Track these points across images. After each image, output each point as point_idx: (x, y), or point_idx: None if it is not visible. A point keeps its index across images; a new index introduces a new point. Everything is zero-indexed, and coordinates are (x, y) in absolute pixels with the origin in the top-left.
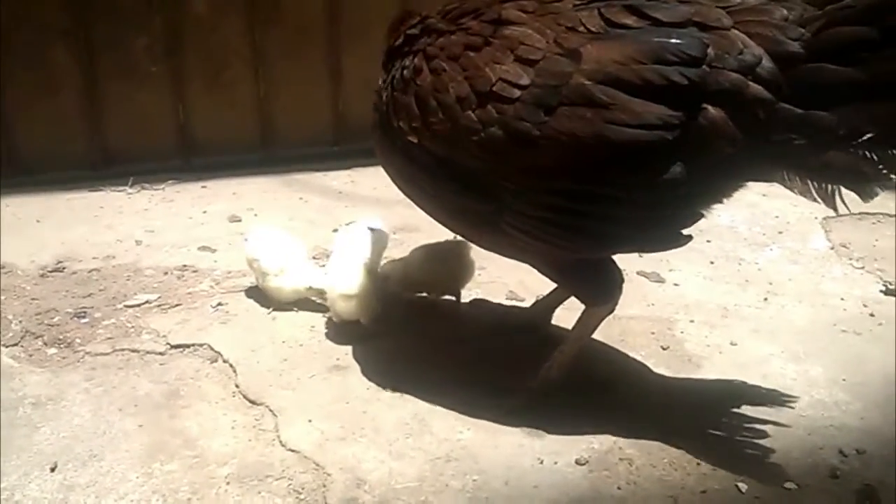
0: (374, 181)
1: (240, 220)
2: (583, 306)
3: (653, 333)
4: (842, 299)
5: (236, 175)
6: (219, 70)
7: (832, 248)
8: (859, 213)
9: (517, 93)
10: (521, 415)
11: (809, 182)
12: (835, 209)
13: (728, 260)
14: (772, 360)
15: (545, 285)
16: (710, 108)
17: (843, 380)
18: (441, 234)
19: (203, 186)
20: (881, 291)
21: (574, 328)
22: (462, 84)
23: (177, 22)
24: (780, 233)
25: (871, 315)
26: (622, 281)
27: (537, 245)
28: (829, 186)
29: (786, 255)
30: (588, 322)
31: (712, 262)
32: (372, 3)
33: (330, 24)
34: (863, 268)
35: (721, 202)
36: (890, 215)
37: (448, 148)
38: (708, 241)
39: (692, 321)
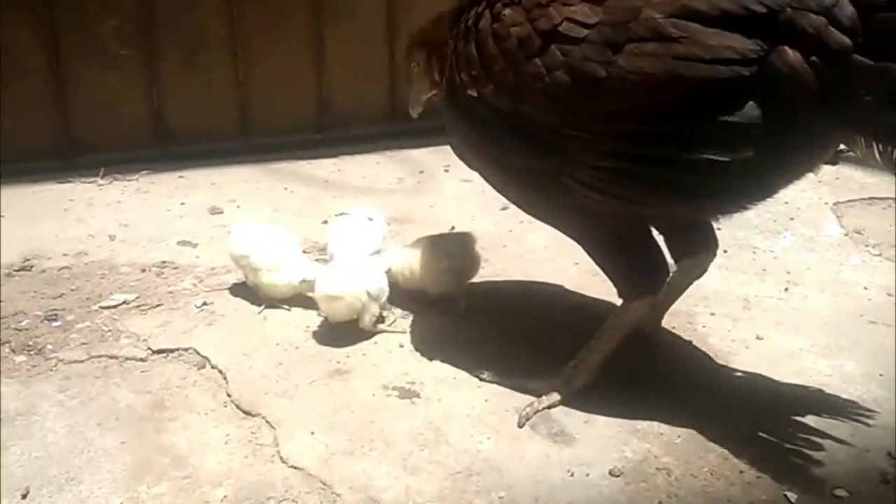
0: (361, 169)
1: (221, 213)
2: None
3: (673, 328)
4: (865, 288)
5: (215, 164)
6: (194, 51)
7: (846, 235)
8: (869, 198)
9: (584, 32)
10: (544, 420)
11: (875, 145)
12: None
13: (742, 248)
14: (802, 354)
15: (552, 276)
16: (787, 49)
17: (881, 375)
18: (438, 223)
19: (180, 176)
20: None
21: (607, 325)
22: (524, 26)
23: (149, 0)
24: (792, 219)
25: None
26: (668, 274)
27: (605, 201)
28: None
29: (800, 242)
30: (624, 317)
31: (726, 251)
32: None
33: (313, 1)
34: (880, 255)
35: (789, 178)
36: None
37: (510, 99)
38: (719, 229)
39: (713, 314)
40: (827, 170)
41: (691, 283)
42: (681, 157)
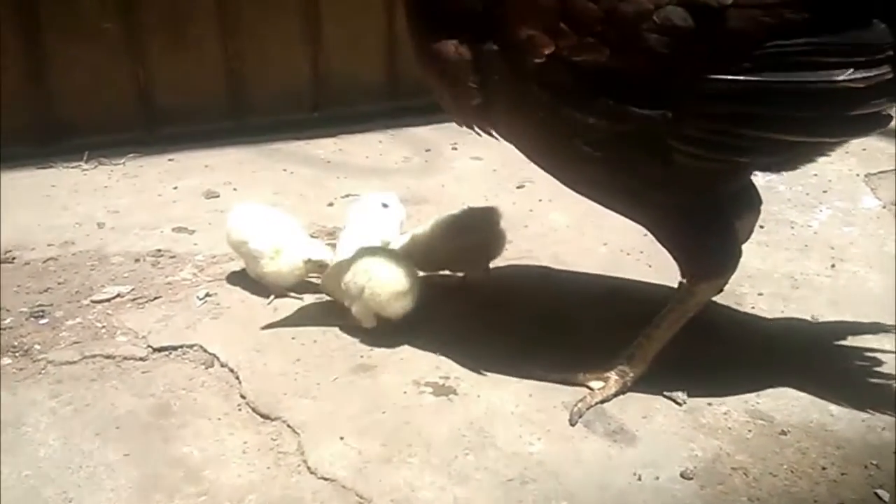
0: (364, 148)
1: (217, 196)
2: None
3: (722, 310)
4: None
5: (207, 146)
6: (183, 26)
7: (884, 207)
8: None
9: None
10: (598, 417)
11: None
12: None
13: (778, 223)
14: (864, 336)
15: (582, 258)
16: None
17: None
18: (452, 203)
19: (170, 160)
20: None
21: (667, 310)
22: None
23: None
24: (825, 192)
25: None
26: (740, 256)
27: (714, 157)
28: None
29: (838, 216)
30: (688, 301)
31: (762, 227)
32: None
33: None
34: None
35: None
36: None
37: (602, 52)
38: None
39: (761, 294)
40: (853, 141)
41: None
42: (813, 84)
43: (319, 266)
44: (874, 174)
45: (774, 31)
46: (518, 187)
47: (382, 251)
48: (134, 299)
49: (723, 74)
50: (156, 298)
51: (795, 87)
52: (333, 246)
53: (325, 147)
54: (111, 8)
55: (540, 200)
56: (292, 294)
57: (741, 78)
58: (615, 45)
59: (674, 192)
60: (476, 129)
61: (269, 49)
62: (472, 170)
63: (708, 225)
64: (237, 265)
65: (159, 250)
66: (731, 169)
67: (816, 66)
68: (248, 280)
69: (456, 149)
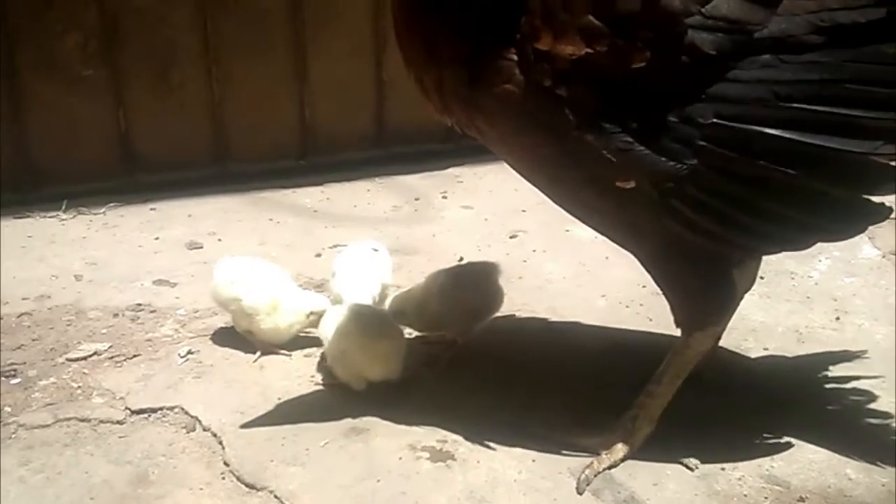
0: (352, 197)
1: (201, 247)
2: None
3: (728, 367)
4: None
5: (190, 194)
6: (165, 70)
7: (883, 257)
8: None
9: None
10: (606, 484)
11: None
12: None
13: (778, 274)
14: (875, 393)
15: (579, 310)
16: None
17: None
18: (443, 254)
19: (152, 209)
20: None
21: (666, 365)
22: None
23: (115, 13)
24: None
25: None
26: (738, 303)
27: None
28: None
29: (838, 266)
30: (686, 352)
31: (762, 277)
32: None
33: (293, 12)
34: None
35: None
36: None
37: (639, 52)
38: None
39: (766, 349)
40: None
41: (742, 297)
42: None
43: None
44: None
45: (816, 41)
46: (511, 237)
47: (367, 310)
48: (112, 357)
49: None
50: (135, 356)
51: (828, 153)
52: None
53: (311, 195)
54: (91, 52)
55: (534, 251)
56: (280, 351)
57: (772, 132)
58: (650, 47)
59: (673, 239)
60: (454, 123)
61: (255, 95)
62: (462, 219)
63: (705, 271)
64: (221, 320)
65: (139, 304)
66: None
67: (860, 131)
68: (233, 336)
69: (446, 197)
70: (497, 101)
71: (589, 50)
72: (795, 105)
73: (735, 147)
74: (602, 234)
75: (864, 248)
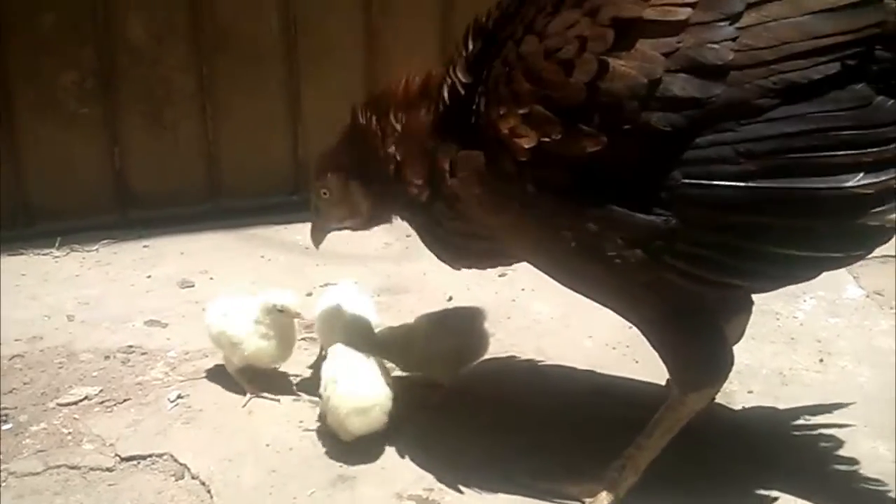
0: (344, 234)
1: (192, 286)
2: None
3: (713, 411)
4: None
5: (183, 231)
6: (160, 108)
7: (868, 297)
8: (882, 256)
9: (685, 12)
10: None
11: None
12: None
13: (763, 314)
14: (857, 437)
15: (567, 352)
16: None
17: None
18: (433, 293)
19: (145, 246)
20: None
21: (658, 418)
22: (594, 27)
23: (111, 52)
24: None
25: None
26: (732, 364)
27: (710, 281)
28: None
29: (823, 306)
30: (680, 411)
31: None
32: (334, 25)
33: (287, 51)
34: None
35: None
36: None
37: (596, 138)
38: None
39: (751, 392)
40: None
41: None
42: (826, 191)
43: (292, 312)
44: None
45: (789, 91)
46: (500, 276)
47: (355, 357)
48: (102, 402)
49: (730, 162)
50: (125, 401)
51: (801, 194)
52: (312, 339)
53: (303, 232)
54: (87, 91)
55: (522, 290)
56: (268, 395)
57: (741, 185)
58: (603, 130)
59: (667, 297)
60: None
61: (249, 132)
62: None
63: (700, 333)
64: (211, 362)
65: (130, 346)
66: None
67: (824, 170)
68: (223, 378)
69: None
70: (466, 186)
71: (544, 139)
72: (759, 158)
73: (709, 202)
74: (597, 301)
75: (848, 287)
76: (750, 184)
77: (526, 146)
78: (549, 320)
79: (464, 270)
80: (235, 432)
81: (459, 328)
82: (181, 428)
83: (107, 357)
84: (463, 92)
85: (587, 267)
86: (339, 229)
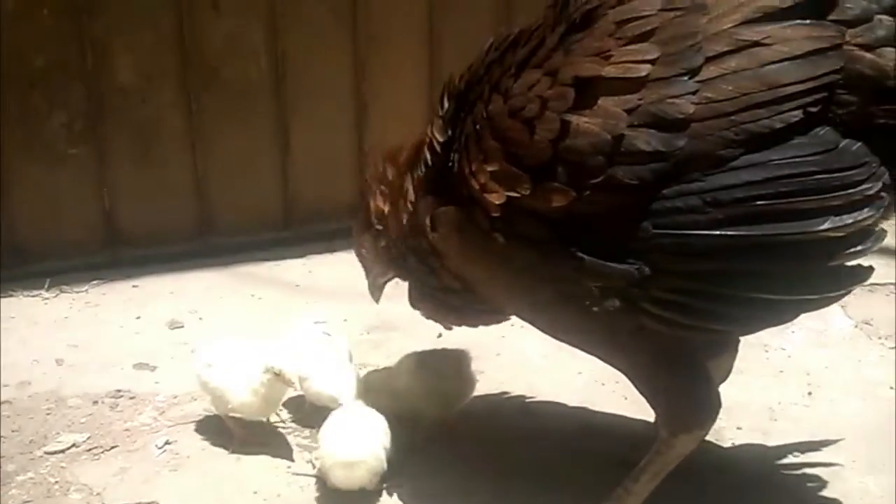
0: (334, 270)
1: (182, 327)
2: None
3: (703, 448)
4: (890, 388)
5: (173, 270)
6: (149, 146)
7: (856, 327)
8: (870, 285)
9: (645, 69)
10: None
11: None
12: None
13: (752, 347)
14: (845, 473)
15: (557, 388)
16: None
17: None
18: (422, 330)
19: (134, 286)
20: None
21: (647, 461)
22: (555, 87)
23: (99, 92)
24: None
25: None
26: (719, 406)
27: (686, 323)
28: None
29: (811, 337)
30: (669, 454)
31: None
32: (323, 63)
33: (276, 89)
34: (894, 347)
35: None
36: None
37: (563, 193)
38: None
39: (740, 428)
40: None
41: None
42: (795, 237)
43: (287, 380)
44: None
45: (749, 143)
46: None
47: (357, 412)
48: (90, 449)
49: (697, 212)
50: (112, 447)
51: (773, 239)
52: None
53: (294, 269)
54: (76, 132)
55: (512, 325)
56: (256, 441)
57: (711, 233)
58: (571, 185)
59: (649, 343)
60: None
61: (239, 168)
62: None
63: (685, 376)
64: (200, 406)
65: (119, 390)
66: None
67: (791, 216)
68: (211, 423)
69: None
70: (445, 241)
71: (513, 194)
72: (726, 207)
73: (680, 251)
74: (583, 350)
75: (836, 318)
76: (719, 232)
77: (496, 202)
78: (538, 357)
79: None
80: (223, 479)
81: (443, 370)
82: (168, 475)
83: (95, 402)
84: (440, 150)
85: (568, 317)
86: (389, 281)
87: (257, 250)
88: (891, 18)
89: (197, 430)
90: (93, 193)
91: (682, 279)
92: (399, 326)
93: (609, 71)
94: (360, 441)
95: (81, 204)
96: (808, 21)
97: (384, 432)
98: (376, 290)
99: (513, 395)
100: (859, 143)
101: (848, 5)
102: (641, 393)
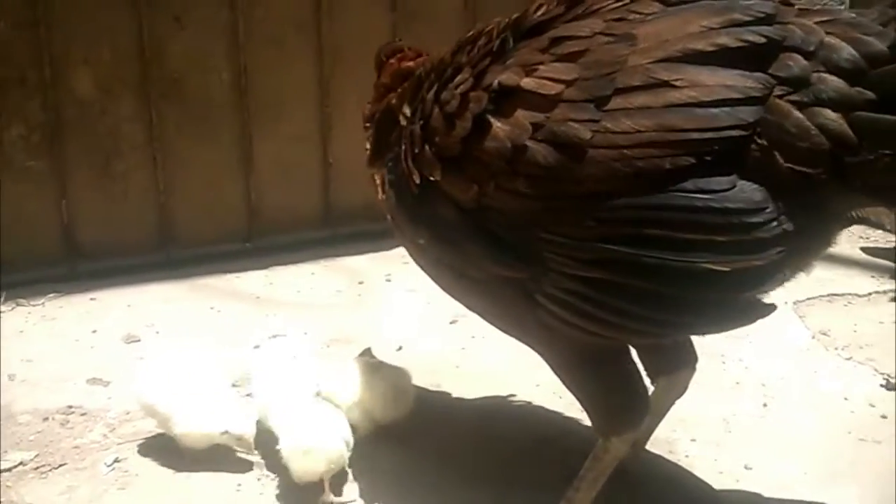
0: (296, 282)
1: (138, 341)
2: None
3: (654, 459)
4: (845, 399)
5: (132, 283)
6: (109, 159)
7: (813, 338)
8: (828, 295)
9: (558, 88)
10: None
11: None
12: None
13: (710, 358)
14: (797, 485)
15: (513, 399)
16: (781, 102)
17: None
18: (385, 343)
19: (92, 299)
20: (882, 386)
21: (585, 469)
22: (477, 90)
23: (58, 105)
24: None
25: (883, 417)
26: (649, 405)
27: (581, 325)
28: None
29: (768, 348)
30: (604, 458)
31: None
32: (286, 76)
33: (239, 100)
34: (851, 358)
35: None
36: (860, 295)
37: (468, 186)
38: None
39: (694, 440)
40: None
41: (672, 404)
42: (678, 264)
43: (238, 440)
44: (802, 301)
45: (640, 181)
46: (451, 322)
47: (307, 404)
48: (37, 467)
49: (585, 227)
50: (61, 465)
51: (657, 262)
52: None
53: (255, 280)
54: (36, 144)
55: (473, 337)
56: (206, 458)
57: (601, 245)
58: (474, 177)
59: (568, 343)
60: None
61: (201, 180)
62: (404, 303)
63: (613, 378)
64: (151, 423)
65: (70, 406)
66: (604, 339)
67: (675, 245)
68: (162, 440)
69: (390, 280)
70: (389, 206)
71: (429, 178)
72: (612, 225)
73: (570, 256)
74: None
75: (794, 328)
76: (605, 246)
77: (416, 181)
78: (496, 368)
79: (415, 317)
80: (171, 497)
81: (373, 381)
82: (116, 494)
83: (45, 419)
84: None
85: (479, 301)
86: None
87: (219, 262)
88: (837, 80)
89: (147, 448)
90: (51, 206)
91: (573, 282)
92: (359, 338)
93: (527, 83)
94: (317, 429)
95: (40, 217)
96: (734, 70)
97: (342, 423)
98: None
99: (471, 406)
100: (759, 189)
101: (789, 62)
102: (571, 392)
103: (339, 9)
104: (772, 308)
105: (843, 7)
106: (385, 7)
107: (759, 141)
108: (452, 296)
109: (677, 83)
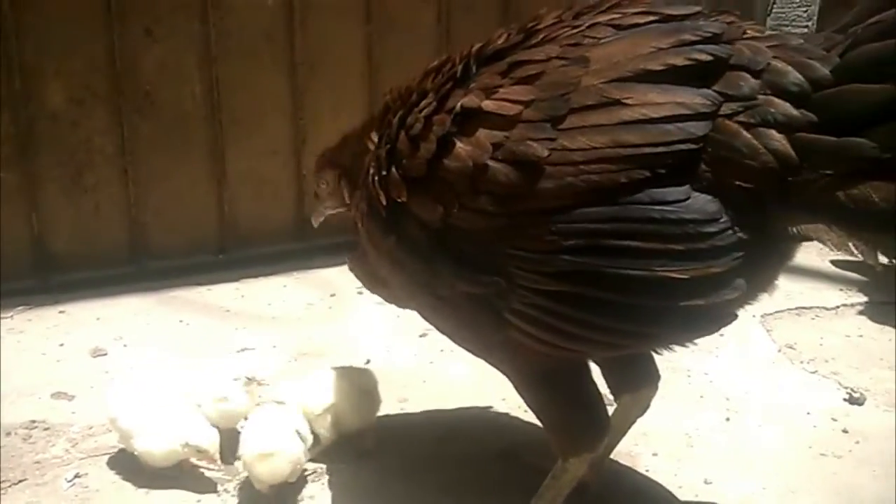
0: (268, 294)
1: (105, 354)
2: None
3: (615, 472)
4: (808, 413)
5: (102, 295)
6: (80, 171)
7: (779, 351)
8: (796, 308)
9: (517, 109)
10: None
11: (847, 232)
12: (877, 262)
13: (675, 372)
14: (756, 499)
15: (478, 414)
16: (729, 123)
17: None
18: (354, 356)
19: (61, 311)
20: (845, 400)
21: (543, 488)
22: (440, 113)
23: (28, 118)
24: (721, 335)
25: (845, 431)
26: (609, 427)
27: (547, 339)
28: (869, 235)
29: (734, 362)
30: (561, 477)
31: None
32: (259, 87)
33: (211, 113)
34: (816, 372)
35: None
36: (827, 308)
37: (434, 206)
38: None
39: (655, 454)
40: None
41: (634, 422)
42: (638, 273)
43: (198, 452)
44: (770, 314)
45: (598, 195)
46: (421, 336)
47: (270, 410)
48: None
49: (547, 242)
50: (21, 481)
51: (618, 272)
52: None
53: (226, 293)
54: (6, 157)
55: (441, 351)
56: (167, 474)
57: (563, 257)
58: (438, 196)
59: (528, 360)
60: None
61: (173, 193)
62: (375, 316)
63: (573, 398)
64: (114, 437)
65: (33, 421)
66: (579, 351)
67: (634, 254)
68: (124, 456)
69: (361, 293)
70: (361, 223)
71: (396, 199)
72: (573, 238)
73: (535, 270)
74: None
75: (760, 341)
76: (566, 257)
77: (383, 202)
78: (463, 382)
79: (384, 331)
80: None
81: (343, 386)
82: None
83: (8, 434)
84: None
85: (445, 320)
86: (334, 215)
87: (191, 274)
88: (784, 102)
89: (108, 463)
90: (22, 218)
91: (539, 296)
92: (329, 352)
93: (488, 105)
94: (276, 433)
95: (9, 230)
96: (684, 87)
97: (301, 426)
98: (319, 217)
99: (437, 418)
100: (713, 200)
101: (740, 81)
102: (531, 410)
103: (312, 21)
104: (734, 317)
105: (810, 23)
106: (359, 20)
107: (709, 157)
108: (422, 315)
109: (629, 101)
